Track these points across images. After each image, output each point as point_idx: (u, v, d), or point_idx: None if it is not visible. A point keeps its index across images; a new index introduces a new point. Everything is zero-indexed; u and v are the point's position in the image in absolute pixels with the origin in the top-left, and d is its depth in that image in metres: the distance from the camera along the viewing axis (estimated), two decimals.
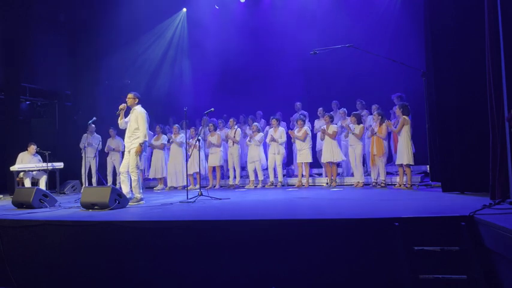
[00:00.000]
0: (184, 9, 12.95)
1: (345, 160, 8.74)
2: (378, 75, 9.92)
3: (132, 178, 6.68)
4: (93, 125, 10.00)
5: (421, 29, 8.32)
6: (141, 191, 6.73)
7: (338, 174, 8.85)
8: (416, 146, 8.39)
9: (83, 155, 10.11)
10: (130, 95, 6.81)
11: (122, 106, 6.76)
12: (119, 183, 10.26)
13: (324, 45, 8.59)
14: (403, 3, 10.48)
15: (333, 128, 8.47)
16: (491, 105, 4.88)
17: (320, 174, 9.63)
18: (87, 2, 11.25)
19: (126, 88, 11.89)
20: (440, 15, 6.49)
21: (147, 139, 6.71)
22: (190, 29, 12.90)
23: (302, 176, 8.89)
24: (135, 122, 6.66)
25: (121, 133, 10.15)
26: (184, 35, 13.00)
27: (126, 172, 6.67)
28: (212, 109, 7.72)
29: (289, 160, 10.10)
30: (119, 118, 6.82)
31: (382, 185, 7.90)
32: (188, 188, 8.18)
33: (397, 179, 7.99)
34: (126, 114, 6.87)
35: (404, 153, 7.41)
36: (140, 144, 6.59)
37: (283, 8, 11.68)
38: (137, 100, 6.80)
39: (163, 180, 9.97)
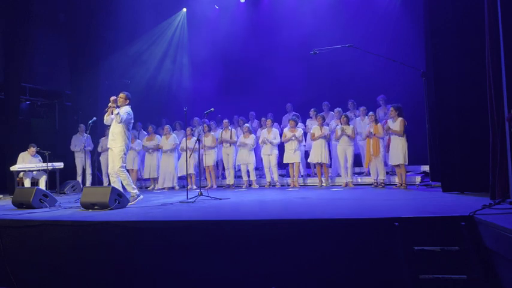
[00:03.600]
0: (184, 9, 12.94)
1: (333, 161, 8.71)
2: (378, 75, 9.91)
3: (121, 178, 6.62)
4: (83, 125, 10.11)
5: (421, 29, 8.32)
6: (134, 186, 6.72)
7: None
8: (416, 146, 8.39)
9: (76, 155, 10.24)
10: (122, 95, 6.75)
11: (113, 104, 6.60)
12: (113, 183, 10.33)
13: (324, 45, 8.58)
14: (403, 3, 10.47)
15: (325, 130, 8.49)
16: (491, 105, 4.89)
17: (309, 175, 9.61)
18: (87, 2, 11.24)
19: (126, 88, 11.92)
20: (440, 16, 6.50)
21: (124, 116, 6.49)
22: (190, 29, 12.90)
23: (295, 176, 8.80)
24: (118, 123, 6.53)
25: None
26: (184, 35, 12.99)
27: (115, 173, 6.59)
28: (212, 109, 7.72)
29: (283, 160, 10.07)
30: (106, 114, 6.69)
31: (382, 185, 7.90)
32: (188, 188, 8.17)
33: (396, 179, 7.99)
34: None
35: (402, 152, 7.44)
36: (118, 114, 6.40)
37: (282, 8, 11.67)
38: (128, 101, 6.76)
39: (157, 180, 9.93)
